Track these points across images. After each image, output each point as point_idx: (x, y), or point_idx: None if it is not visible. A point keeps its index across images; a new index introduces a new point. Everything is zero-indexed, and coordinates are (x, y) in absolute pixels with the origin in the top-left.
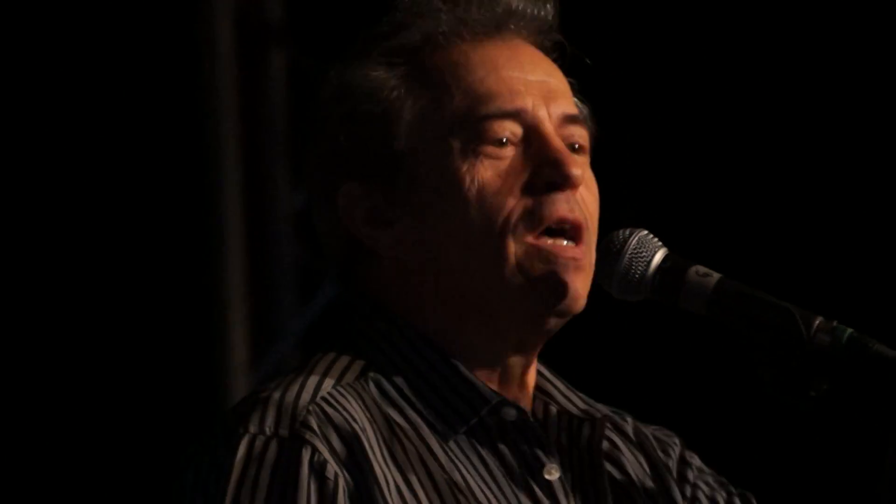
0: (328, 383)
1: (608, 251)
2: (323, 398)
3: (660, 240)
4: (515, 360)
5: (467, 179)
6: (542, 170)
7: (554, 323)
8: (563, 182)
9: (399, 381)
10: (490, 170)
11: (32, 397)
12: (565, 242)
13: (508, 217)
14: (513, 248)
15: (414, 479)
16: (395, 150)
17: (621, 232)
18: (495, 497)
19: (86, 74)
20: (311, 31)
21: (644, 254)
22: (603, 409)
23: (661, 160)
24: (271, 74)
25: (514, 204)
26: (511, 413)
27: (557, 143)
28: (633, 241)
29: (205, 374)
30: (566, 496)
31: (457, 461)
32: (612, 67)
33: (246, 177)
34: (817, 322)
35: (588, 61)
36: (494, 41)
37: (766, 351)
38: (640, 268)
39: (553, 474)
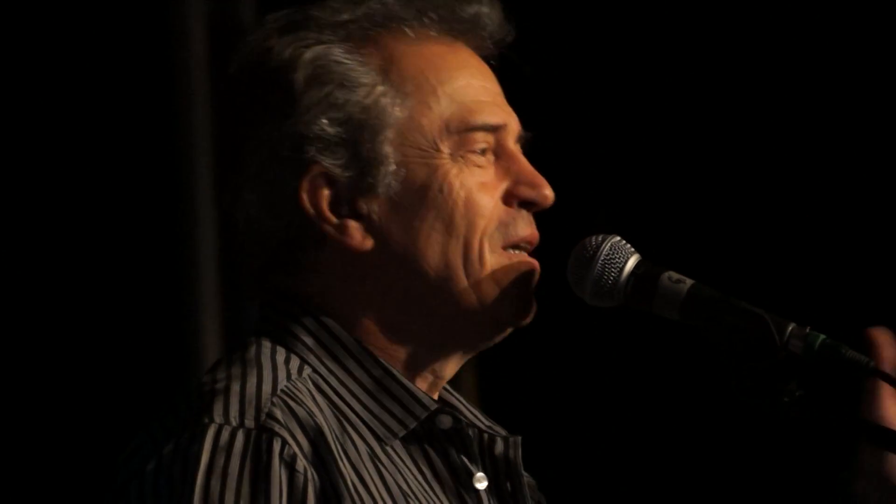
0: (282, 375)
1: (581, 258)
2: (283, 391)
3: (632, 246)
4: (452, 367)
5: (456, 184)
6: (519, 187)
7: (507, 333)
8: (541, 202)
9: (333, 381)
10: (474, 177)
11: (2, 392)
12: (528, 257)
13: (487, 226)
14: (489, 256)
15: (368, 479)
16: (379, 145)
17: (594, 238)
18: None
19: (57, 74)
20: None
21: (617, 260)
22: (500, 429)
23: (633, 165)
24: None
25: (491, 214)
26: (446, 421)
27: (527, 162)
28: (606, 248)
29: (177, 374)
30: None
31: (398, 465)
32: (582, 71)
33: (219, 177)
34: (790, 328)
35: (528, 70)
36: (457, 44)
37: (739, 356)
38: (612, 274)
39: (481, 483)
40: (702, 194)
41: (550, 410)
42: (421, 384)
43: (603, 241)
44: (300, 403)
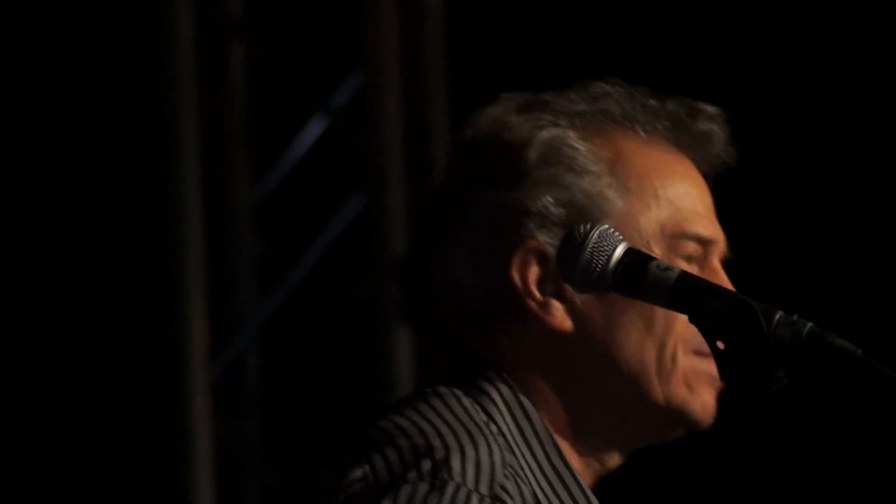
0: (502, 445)
1: (569, 245)
2: (509, 464)
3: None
4: (617, 460)
5: None
6: None
7: (680, 434)
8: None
9: (518, 455)
10: None
11: None
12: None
13: (684, 330)
14: (681, 358)
15: None
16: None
17: (582, 226)
18: None
19: (45, 68)
20: (270, 26)
21: (605, 248)
22: None
23: None
24: (231, 68)
25: (688, 326)
26: None
27: (728, 281)
28: (595, 235)
29: (163, 365)
30: None
31: None
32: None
33: (206, 170)
34: (778, 316)
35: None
36: (681, 153)
37: (726, 344)
38: (601, 262)
39: None
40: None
41: None
42: (585, 472)
43: (591, 228)
44: (521, 481)
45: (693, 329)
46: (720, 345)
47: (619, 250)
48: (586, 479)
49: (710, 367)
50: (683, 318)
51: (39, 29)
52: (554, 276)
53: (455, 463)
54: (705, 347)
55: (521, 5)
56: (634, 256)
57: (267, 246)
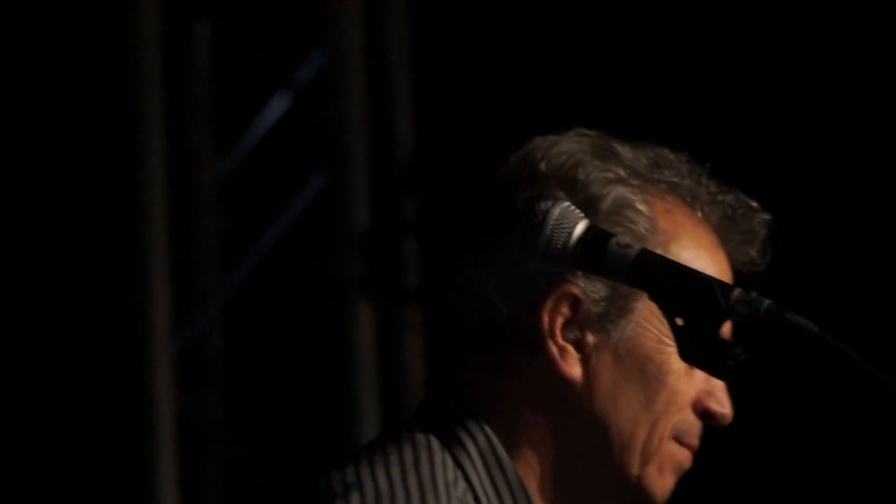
0: (467, 501)
1: (531, 222)
2: None
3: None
4: None
5: (673, 372)
6: (710, 398)
7: None
8: (720, 422)
9: None
10: (690, 372)
11: None
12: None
13: (677, 417)
14: (666, 442)
15: None
16: (633, 301)
17: (543, 203)
18: None
19: (8, 45)
20: (235, 3)
21: (566, 225)
22: None
23: None
24: (195, 45)
25: (684, 409)
26: None
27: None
28: (556, 212)
29: (127, 339)
30: None
31: None
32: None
33: (170, 146)
34: (736, 293)
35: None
36: (722, 246)
37: (685, 320)
38: (562, 238)
39: None
40: None
41: None
42: None
43: (553, 205)
44: None
45: (684, 417)
46: (679, 321)
47: (580, 227)
48: None
49: (684, 456)
50: (682, 407)
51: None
52: (581, 327)
53: None
54: (687, 438)
55: None
56: (595, 233)
57: (230, 222)
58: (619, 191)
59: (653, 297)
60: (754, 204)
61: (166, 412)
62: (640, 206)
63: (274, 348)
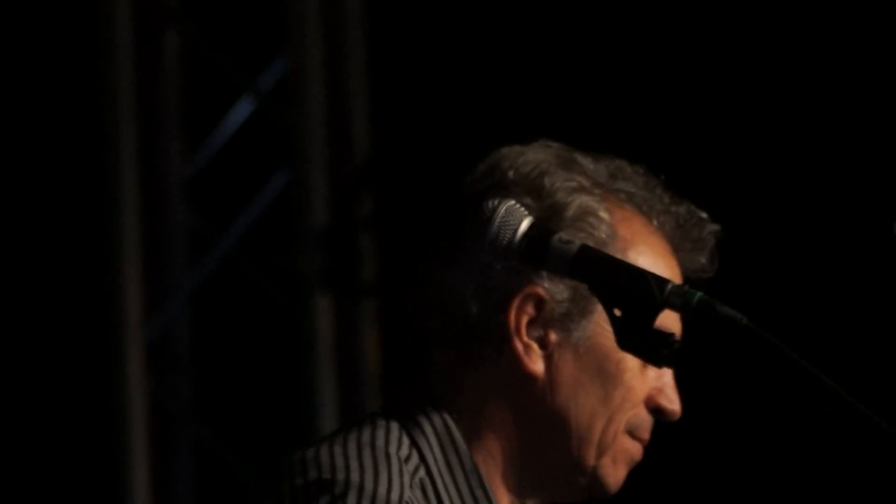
0: (406, 480)
1: (479, 219)
2: (406, 500)
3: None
4: None
5: (629, 370)
6: (661, 395)
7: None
8: (670, 417)
9: (440, 489)
10: (644, 370)
11: None
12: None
13: (633, 413)
14: (620, 436)
15: None
16: (594, 303)
17: (490, 201)
18: None
19: None
20: (203, 14)
21: (511, 222)
22: None
23: None
24: (166, 52)
25: (638, 404)
26: None
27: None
28: (502, 210)
29: (100, 328)
30: None
31: None
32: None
33: (142, 146)
34: (670, 286)
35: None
36: (673, 256)
37: (623, 310)
38: (507, 234)
39: None
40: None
41: None
42: None
43: (499, 203)
44: None
45: (637, 412)
46: (617, 312)
47: (525, 224)
48: None
49: (636, 450)
50: (637, 403)
51: None
52: (544, 325)
53: (351, 499)
54: (639, 432)
55: None
56: (538, 230)
57: (198, 217)
58: (583, 199)
59: (592, 290)
60: (704, 215)
61: (138, 397)
62: (602, 214)
63: (239, 337)
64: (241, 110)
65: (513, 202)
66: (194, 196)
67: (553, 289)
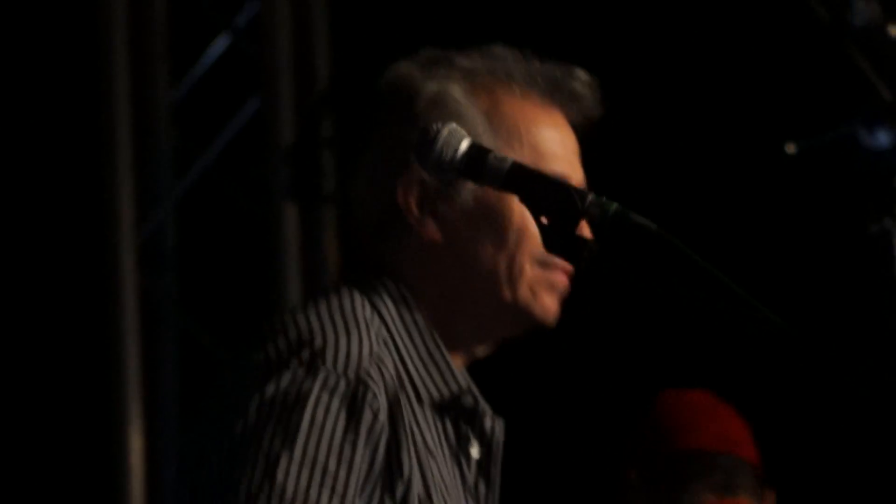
0: (373, 337)
1: (425, 139)
2: (376, 354)
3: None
4: (483, 350)
5: (516, 212)
6: None
7: (532, 328)
8: (574, 265)
9: (399, 342)
10: (523, 207)
11: None
12: (562, 274)
13: (533, 250)
14: (528, 268)
15: (415, 433)
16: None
17: (436, 124)
18: (444, 465)
19: None
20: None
21: (453, 142)
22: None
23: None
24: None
25: (537, 243)
26: (469, 401)
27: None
28: (445, 132)
29: (97, 231)
30: (478, 474)
31: (424, 423)
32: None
33: (133, 75)
34: (590, 197)
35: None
36: (553, 108)
37: (549, 219)
38: (449, 153)
39: (475, 452)
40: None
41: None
42: (457, 359)
43: (443, 126)
44: (384, 369)
45: (539, 245)
46: (544, 220)
47: (464, 144)
48: (458, 362)
49: (553, 276)
50: (535, 241)
51: None
52: (432, 198)
53: (329, 353)
54: (549, 259)
55: None
56: (476, 149)
57: (182, 137)
58: (434, 86)
59: (522, 200)
60: (575, 67)
61: (131, 291)
62: (457, 95)
63: (219, 239)
64: (220, 45)
65: (454, 125)
66: (179, 118)
67: (426, 167)
